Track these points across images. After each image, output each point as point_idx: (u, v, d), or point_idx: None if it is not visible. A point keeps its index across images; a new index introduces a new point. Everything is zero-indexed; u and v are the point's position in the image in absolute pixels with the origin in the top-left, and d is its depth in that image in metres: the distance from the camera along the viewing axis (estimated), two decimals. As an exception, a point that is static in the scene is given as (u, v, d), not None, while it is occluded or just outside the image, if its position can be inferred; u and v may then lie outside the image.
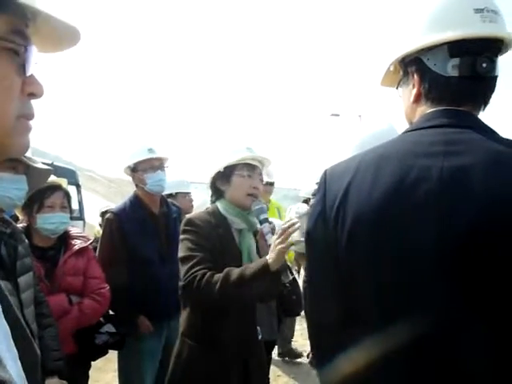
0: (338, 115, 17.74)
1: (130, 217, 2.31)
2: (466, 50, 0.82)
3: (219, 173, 1.74)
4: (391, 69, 0.97)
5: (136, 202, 2.40)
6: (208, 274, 1.49)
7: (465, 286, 0.73)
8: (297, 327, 4.29)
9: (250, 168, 1.72)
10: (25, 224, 1.98)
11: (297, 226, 1.48)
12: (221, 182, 1.75)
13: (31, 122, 0.53)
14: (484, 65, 0.81)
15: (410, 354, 0.77)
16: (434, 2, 0.88)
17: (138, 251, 2.27)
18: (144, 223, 2.33)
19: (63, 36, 0.55)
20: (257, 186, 1.71)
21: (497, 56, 0.84)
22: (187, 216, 1.75)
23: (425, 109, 0.89)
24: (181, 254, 1.59)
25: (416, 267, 0.76)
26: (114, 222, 2.29)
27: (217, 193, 1.78)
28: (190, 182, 3.66)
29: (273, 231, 1.61)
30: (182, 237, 1.64)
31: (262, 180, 1.77)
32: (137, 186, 2.47)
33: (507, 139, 0.80)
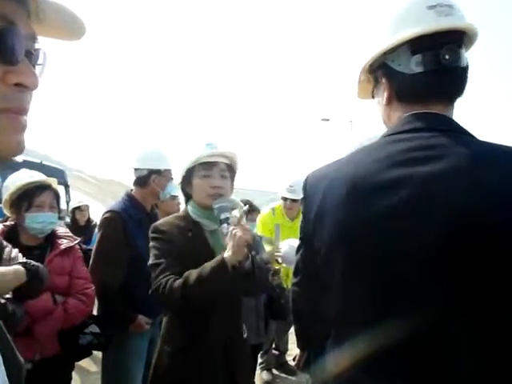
0: (328, 120, 17.77)
1: (130, 217, 2.31)
2: (427, 45, 0.85)
3: (183, 177, 1.69)
4: (361, 78, 1.00)
5: (133, 203, 2.40)
6: (171, 279, 1.48)
7: (453, 287, 0.74)
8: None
9: (207, 166, 1.62)
10: (12, 222, 1.97)
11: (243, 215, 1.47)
12: (186, 185, 1.70)
13: (25, 118, 0.47)
14: (447, 56, 0.83)
15: (402, 354, 0.78)
16: (390, 9, 0.91)
17: (138, 251, 2.24)
18: (140, 223, 2.33)
19: (67, 27, 0.51)
20: (217, 185, 1.60)
21: (460, 47, 0.86)
22: (154, 223, 1.71)
23: (399, 110, 0.91)
24: (150, 261, 1.59)
25: (400, 269, 0.77)
26: (117, 221, 2.26)
27: (186, 197, 1.74)
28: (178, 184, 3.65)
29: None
30: (150, 244, 1.63)
31: (224, 176, 1.63)
32: (141, 185, 2.41)
33: (483, 141, 0.81)
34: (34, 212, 1.91)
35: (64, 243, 2.02)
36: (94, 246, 2.35)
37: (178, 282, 1.46)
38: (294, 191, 3.49)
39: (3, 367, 0.49)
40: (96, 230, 4.81)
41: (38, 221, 1.92)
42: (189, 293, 1.44)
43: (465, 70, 0.87)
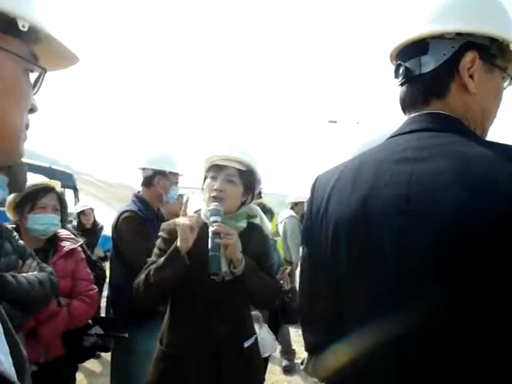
0: (335, 122, 17.74)
1: (145, 217, 2.32)
2: (396, 59, 0.92)
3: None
4: None
5: (143, 203, 2.40)
6: (143, 273, 1.60)
7: (453, 286, 0.72)
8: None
9: (216, 169, 1.63)
10: (14, 225, 1.97)
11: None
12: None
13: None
14: (400, 71, 0.89)
15: (401, 353, 0.77)
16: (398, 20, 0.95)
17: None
18: (152, 223, 2.33)
19: (63, 57, 0.60)
20: (217, 188, 1.60)
21: (425, 53, 0.84)
22: (163, 222, 1.77)
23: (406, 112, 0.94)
24: None
25: (399, 267, 0.76)
26: (138, 221, 2.26)
27: None
28: (186, 187, 3.65)
29: (216, 235, 1.52)
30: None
31: (231, 181, 1.63)
32: (146, 186, 2.43)
33: (486, 142, 0.79)
34: (36, 214, 1.92)
35: (67, 245, 2.03)
36: (126, 245, 2.25)
37: (143, 273, 1.59)
38: None
39: (11, 358, 0.51)
40: (102, 232, 4.89)
41: (40, 222, 1.93)
42: (150, 282, 1.54)
43: (424, 75, 0.84)
